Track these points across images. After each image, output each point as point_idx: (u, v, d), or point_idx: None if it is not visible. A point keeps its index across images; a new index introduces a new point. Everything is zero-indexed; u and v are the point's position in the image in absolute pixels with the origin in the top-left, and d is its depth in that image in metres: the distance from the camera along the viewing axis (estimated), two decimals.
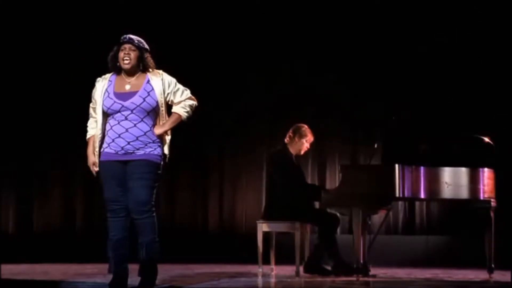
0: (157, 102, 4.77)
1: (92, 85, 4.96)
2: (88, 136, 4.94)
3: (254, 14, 9.33)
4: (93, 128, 4.90)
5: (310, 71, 9.26)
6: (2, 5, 8.89)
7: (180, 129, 4.93)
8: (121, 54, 4.79)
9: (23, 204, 9.55)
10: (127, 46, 4.79)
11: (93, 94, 4.91)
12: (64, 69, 9.37)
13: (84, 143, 4.99)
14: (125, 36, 4.82)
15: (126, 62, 4.78)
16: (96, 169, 4.87)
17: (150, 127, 4.78)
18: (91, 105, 4.94)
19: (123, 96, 4.76)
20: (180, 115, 4.84)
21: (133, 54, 4.79)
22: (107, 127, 4.80)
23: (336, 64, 9.15)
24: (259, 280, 5.93)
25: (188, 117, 4.88)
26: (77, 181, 9.61)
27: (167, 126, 4.83)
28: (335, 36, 9.18)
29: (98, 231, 8.13)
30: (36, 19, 9.38)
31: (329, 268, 6.31)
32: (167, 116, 4.87)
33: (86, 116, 5.02)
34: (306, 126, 6.60)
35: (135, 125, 4.74)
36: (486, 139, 6.34)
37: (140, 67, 4.82)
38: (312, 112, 8.94)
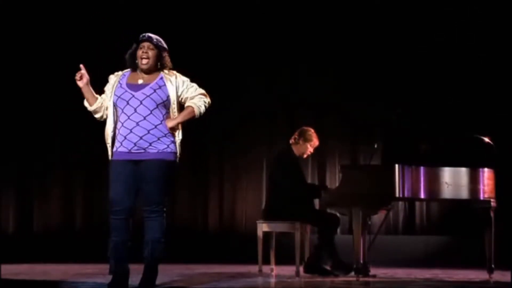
0: (168, 96, 4.76)
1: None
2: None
3: (254, 15, 9.33)
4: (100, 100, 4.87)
5: (310, 71, 9.26)
6: (2, 5, 8.89)
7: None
8: (139, 52, 4.77)
9: (23, 204, 9.55)
10: (145, 44, 4.77)
11: (105, 89, 4.90)
12: (64, 69, 9.35)
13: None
14: (144, 34, 4.79)
15: (144, 61, 4.76)
16: (80, 76, 4.78)
17: (161, 121, 4.77)
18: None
19: (135, 87, 4.76)
20: (193, 108, 4.81)
21: (151, 53, 4.76)
22: (118, 125, 4.79)
23: (336, 64, 9.16)
24: (259, 280, 5.93)
25: (200, 113, 4.83)
26: (77, 181, 9.62)
27: (179, 119, 4.80)
28: (335, 36, 9.18)
29: (98, 231, 8.14)
30: (36, 19, 9.38)
31: (329, 268, 6.32)
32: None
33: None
34: (312, 130, 6.62)
35: (144, 118, 4.72)
36: (486, 139, 6.33)
37: (158, 66, 4.81)
38: (312, 112, 8.94)
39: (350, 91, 9.13)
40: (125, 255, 4.79)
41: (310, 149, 6.61)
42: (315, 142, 6.60)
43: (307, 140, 6.57)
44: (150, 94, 4.73)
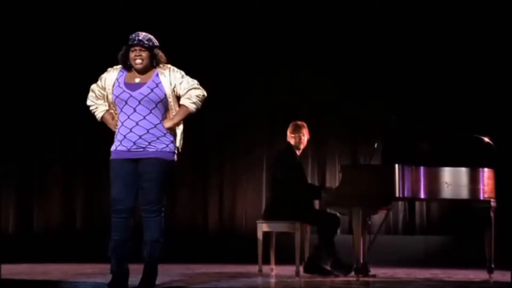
0: (165, 94, 4.76)
1: (91, 84, 4.94)
2: (100, 115, 4.93)
3: (254, 15, 9.34)
4: (101, 104, 4.89)
5: (309, 71, 9.26)
6: (2, 5, 8.89)
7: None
8: (132, 55, 4.77)
9: (23, 204, 9.55)
10: (137, 48, 4.75)
11: (99, 83, 4.88)
12: (64, 69, 9.37)
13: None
14: (134, 37, 4.75)
15: (138, 63, 4.76)
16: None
17: (160, 120, 4.78)
18: (90, 94, 4.92)
19: (132, 86, 4.76)
20: (187, 108, 4.82)
21: (144, 54, 4.76)
22: (118, 124, 4.82)
23: (336, 64, 9.15)
24: (259, 280, 5.93)
25: (196, 108, 4.84)
26: (77, 181, 9.62)
27: (176, 119, 4.83)
28: (335, 36, 9.18)
29: (98, 231, 8.13)
30: (36, 19, 9.38)
31: (329, 268, 6.32)
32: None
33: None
34: (300, 122, 6.65)
35: (144, 117, 4.73)
36: (486, 139, 6.34)
37: (153, 64, 4.81)
38: (312, 112, 8.94)
39: (350, 91, 9.13)
40: (125, 255, 4.79)
41: (303, 137, 6.60)
42: (306, 129, 6.62)
43: (298, 130, 6.59)
44: (148, 94, 4.73)
